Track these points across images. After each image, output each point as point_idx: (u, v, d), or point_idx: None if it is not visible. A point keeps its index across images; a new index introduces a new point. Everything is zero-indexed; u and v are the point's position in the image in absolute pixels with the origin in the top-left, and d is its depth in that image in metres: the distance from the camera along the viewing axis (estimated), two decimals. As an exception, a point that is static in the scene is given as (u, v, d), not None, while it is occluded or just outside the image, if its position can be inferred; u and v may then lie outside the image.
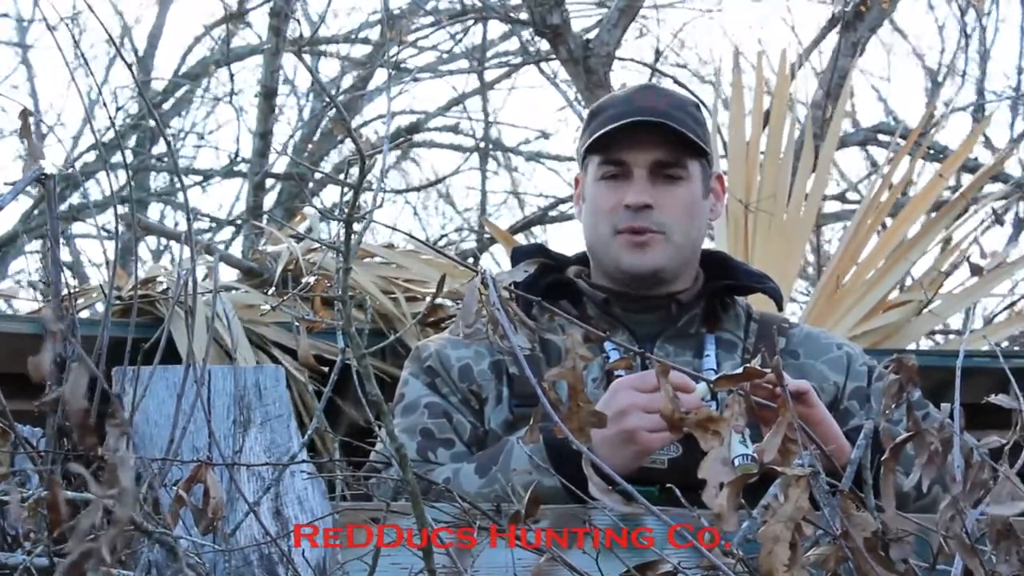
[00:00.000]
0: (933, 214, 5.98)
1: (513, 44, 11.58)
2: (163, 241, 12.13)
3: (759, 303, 2.96)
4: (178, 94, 12.36)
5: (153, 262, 11.29)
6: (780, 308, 2.92)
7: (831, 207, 10.43)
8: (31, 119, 2.02)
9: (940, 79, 11.33)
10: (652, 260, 2.76)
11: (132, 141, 12.06)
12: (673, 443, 2.58)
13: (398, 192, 12.35)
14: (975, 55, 10.68)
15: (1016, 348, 6.85)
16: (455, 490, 2.47)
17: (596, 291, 2.81)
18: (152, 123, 11.13)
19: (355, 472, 2.32)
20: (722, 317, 2.82)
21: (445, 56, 11.72)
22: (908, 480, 1.87)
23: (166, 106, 12.35)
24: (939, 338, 8.37)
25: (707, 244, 2.93)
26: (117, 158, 10.35)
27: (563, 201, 11.24)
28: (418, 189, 12.81)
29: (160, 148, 11.75)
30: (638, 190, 2.74)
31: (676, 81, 9.35)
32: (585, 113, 2.95)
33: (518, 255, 2.87)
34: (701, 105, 2.96)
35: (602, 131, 2.75)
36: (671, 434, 2.43)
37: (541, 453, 2.45)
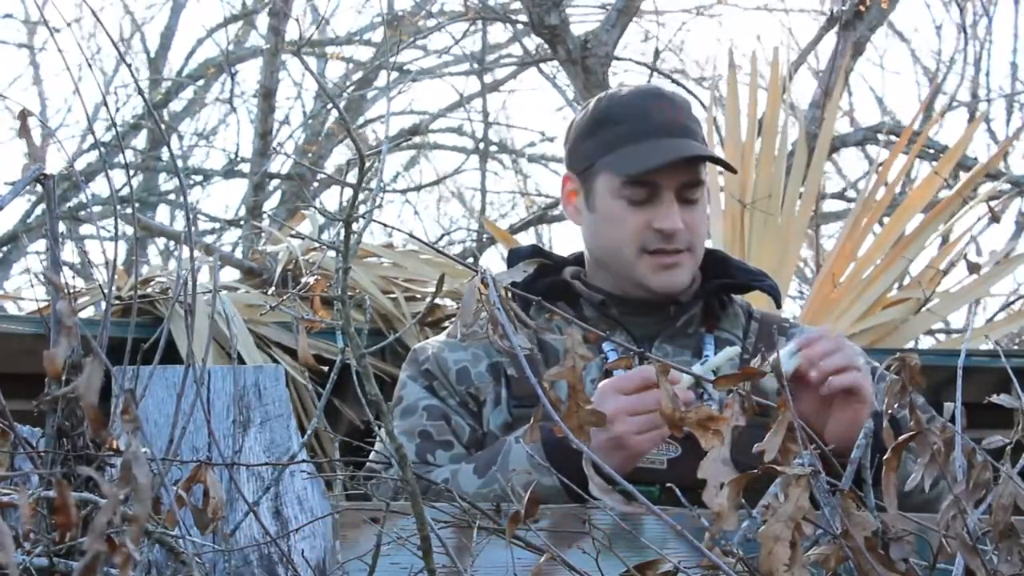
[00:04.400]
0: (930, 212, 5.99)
1: (515, 48, 11.60)
2: (171, 242, 12.12)
3: (757, 302, 2.95)
4: (183, 95, 12.36)
5: (162, 263, 11.30)
6: (779, 306, 2.92)
7: (832, 206, 10.44)
8: (30, 119, 2.02)
9: (939, 78, 11.31)
10: (681, 280, 2.77)
11: (142, 141, 12.05)
12: (673, 444, 2.58)
13: (398, 192, 12.36)
14: (973, 50, 10.69)
15: (1016, 347, 6.85)
16: (454, 491, 2.48)
17: (593, 293, 2.80)
18: (159, 123, 11.13)
19: (355, 472, 2.32)
20: (720, 317, 2.82)
21: (447, 58, 11.73)
22: (910, 479, 1.87)
23: (176, 107, 12.34)
24: (940, 336, 8.37)
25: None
26: (121, 158, 10.35)
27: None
28: (418, 189, 12.82)
29: (169, 148, 11.75)
30: (671, 216, 2.74)
31: (675, 82, 9.36)
32: (577, 115, 2.93)
33: (514, 256, 2.86)
34: (694, 102, 2.98)
35: (644, 168, 2.72)
36: (660, 432, 2.45)
37: (539, 452, 2.45)
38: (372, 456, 2.67)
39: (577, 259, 2.88)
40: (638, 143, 2.74)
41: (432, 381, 2.74)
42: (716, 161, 2.84)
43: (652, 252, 2.75)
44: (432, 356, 2.76)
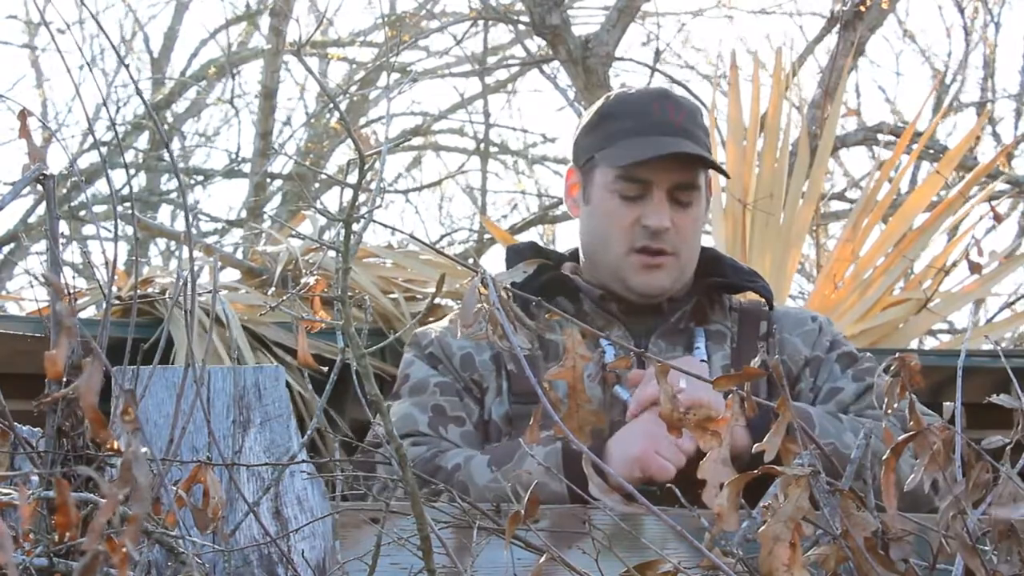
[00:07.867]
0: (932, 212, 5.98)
1: (516, 48, 11.60)
2: (172, 242, 12.11)
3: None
4: (187, 95, 12.36)
5: (163, 263, 11.29)
6: (771, 307, 2.92)
7: (836, 206, 10.43)
8: (30, 119, 2.02)
9: (947, 80, 11.29)
10: (662, 282, 2.78)
11: (143, 141, 12.04)
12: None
13: (399, 192, 12.36)
14: (983, 52, 10.68)
15: (1017, 347, 6.85)
16: (464, 477, 2.49)
17: (593, 288, 2.82)
18: (161, 124, 11.14)
19: (355, 472, 2.32)
20: (709, 312, 2.84)
21: (449, 59, 11.72)
22: (907, 481, 1.87)
23: (179, 108, 12.34)
24: (943, 336, 8.37)
25: (704, 243, 2.94)
26: (122, 159, 10.35)
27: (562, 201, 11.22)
28: (419, 189, 12.82)
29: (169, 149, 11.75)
30: (660, 213, 2.75)
31: (674, 81, 9.36)
32: (586, 111, 2.94)
33: (512, 253, 2.87)
34: (703, 109, 2.98)
35: (633, 160, 2.73)
36: (677, 465, 2.47)
37: (556, 459, 2.48)
38: (369, 436, 2.68)
39: (573, 255, 2.90)
40: (634, 138, 2.75)
41: (437, 365, 2.76)
42: (710, 165, 2.81)
43: (639, 251, 2.76)
44: (436, 340, 2.78)
